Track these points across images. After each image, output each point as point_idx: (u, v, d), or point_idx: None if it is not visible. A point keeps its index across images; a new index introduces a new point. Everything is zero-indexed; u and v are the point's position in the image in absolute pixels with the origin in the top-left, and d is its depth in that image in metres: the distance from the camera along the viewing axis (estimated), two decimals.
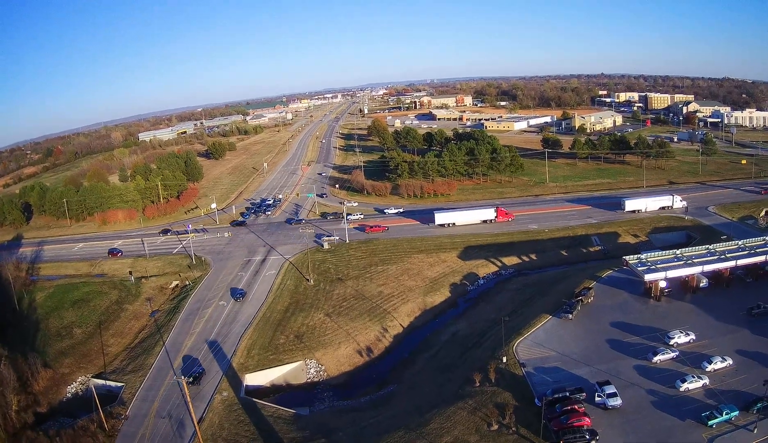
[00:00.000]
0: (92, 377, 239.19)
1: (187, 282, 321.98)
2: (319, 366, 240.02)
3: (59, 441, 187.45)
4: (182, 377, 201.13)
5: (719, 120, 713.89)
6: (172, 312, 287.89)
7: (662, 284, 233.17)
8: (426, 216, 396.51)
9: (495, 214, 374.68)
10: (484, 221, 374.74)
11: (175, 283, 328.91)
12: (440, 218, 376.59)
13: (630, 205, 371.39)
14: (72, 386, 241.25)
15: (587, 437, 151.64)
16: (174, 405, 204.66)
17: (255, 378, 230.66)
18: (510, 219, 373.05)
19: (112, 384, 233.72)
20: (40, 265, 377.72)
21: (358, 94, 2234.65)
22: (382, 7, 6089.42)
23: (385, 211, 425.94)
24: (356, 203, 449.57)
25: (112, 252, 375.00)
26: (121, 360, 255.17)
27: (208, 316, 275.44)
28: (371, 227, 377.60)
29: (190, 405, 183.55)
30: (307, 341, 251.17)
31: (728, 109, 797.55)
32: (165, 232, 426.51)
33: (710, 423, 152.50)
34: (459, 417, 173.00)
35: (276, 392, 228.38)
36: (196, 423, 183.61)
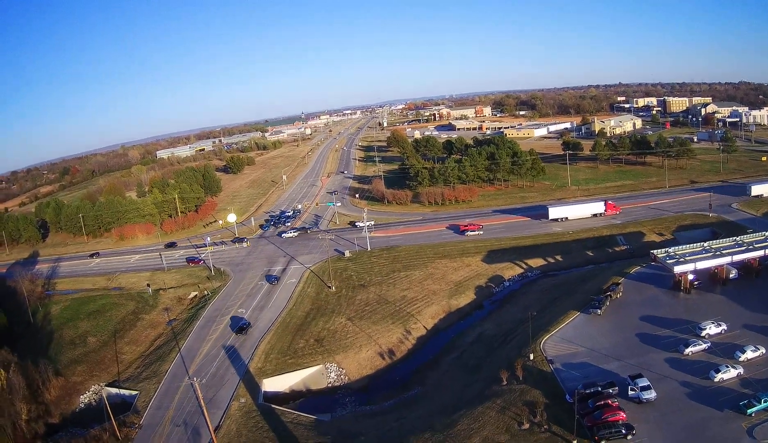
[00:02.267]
0: (106, 385, 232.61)
1: (206, 292, 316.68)
2: (340, 369, 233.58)
3: None
4: (195, 379, 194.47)
5: (738, 120, 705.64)
6: (190, 321, 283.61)
7: (691, 276, 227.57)
8: (534, 213, 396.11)
9: (604, 207, 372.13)
10: (594, 215, 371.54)
11: (193, 294, 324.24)
12: (553, 212, 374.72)
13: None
14: (85, 395, 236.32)
15: (623, 431, 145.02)
16: (189, 412, 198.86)
17: (273, 383, 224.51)
18: (618, 212, 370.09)
19: (126, 392, 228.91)
20: (56, 280, 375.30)
21: (378, 110, 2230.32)
22: (400, 24, 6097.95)
23: (357, 224, 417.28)
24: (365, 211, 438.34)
25: (192, 260, 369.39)
26: (136, 368, 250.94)
27: (226, 323, 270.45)
28: (465, 225, 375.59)
29: (205, 411, 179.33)
30: (328, 345, 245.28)
31: (746, 109, 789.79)
32: (170, 245, 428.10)
33: (749, 411, 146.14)
34: (488, 416, 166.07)
35: (295, 397, 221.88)
36: (212, 430, 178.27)
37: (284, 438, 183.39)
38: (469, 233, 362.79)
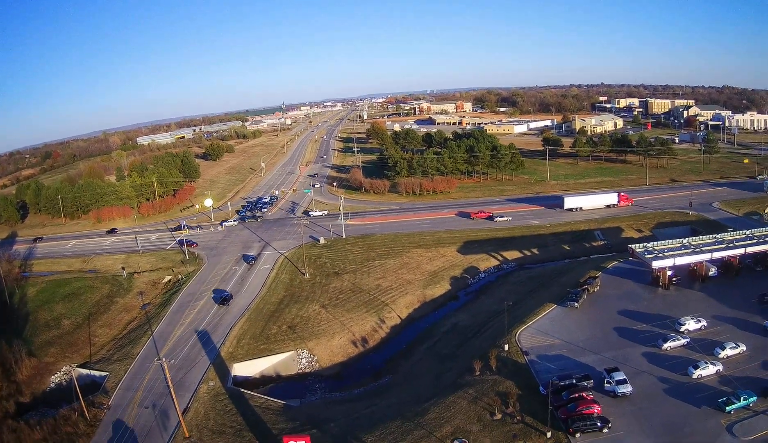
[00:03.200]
0: (77, 366, 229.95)
1: (180, 277, 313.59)
2: (312, 356, 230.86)
3: (40, 431, 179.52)
4: (164, 359, 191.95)
5: (720, 123, 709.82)
6: (164, 305, 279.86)
7: (670, 272, 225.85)
8: (548, 202, 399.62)
9: (617, 199, 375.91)
10: (608, 206, 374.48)
11: (168, 278, 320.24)
12: (569, 202, 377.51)
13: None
14: (56, 375, 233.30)
15: (599, 424, 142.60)
16: (158, 394, 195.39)
17: (243, 368, 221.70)
18: (630, 204, 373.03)
19: (96, 373, 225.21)
20: (33, 261, 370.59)
21: (358, 104, 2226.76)
22: (381, 18, 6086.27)
23: (310, 213, 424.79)
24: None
25: (188, 243, 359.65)
26: (108, 350, 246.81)
27: (200, 307, 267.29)
28: (476, 212, 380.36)
29: (173, 393, 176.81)
30: (300, 331, 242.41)
31: (729, 112, 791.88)
32: (112, 231, 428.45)
33: (728, 408, 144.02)
34: (459, 406, 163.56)
35: (266, 383, 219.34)
36: (179, 412, 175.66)
37: (252, 421, 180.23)
38: (498, 218, 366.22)
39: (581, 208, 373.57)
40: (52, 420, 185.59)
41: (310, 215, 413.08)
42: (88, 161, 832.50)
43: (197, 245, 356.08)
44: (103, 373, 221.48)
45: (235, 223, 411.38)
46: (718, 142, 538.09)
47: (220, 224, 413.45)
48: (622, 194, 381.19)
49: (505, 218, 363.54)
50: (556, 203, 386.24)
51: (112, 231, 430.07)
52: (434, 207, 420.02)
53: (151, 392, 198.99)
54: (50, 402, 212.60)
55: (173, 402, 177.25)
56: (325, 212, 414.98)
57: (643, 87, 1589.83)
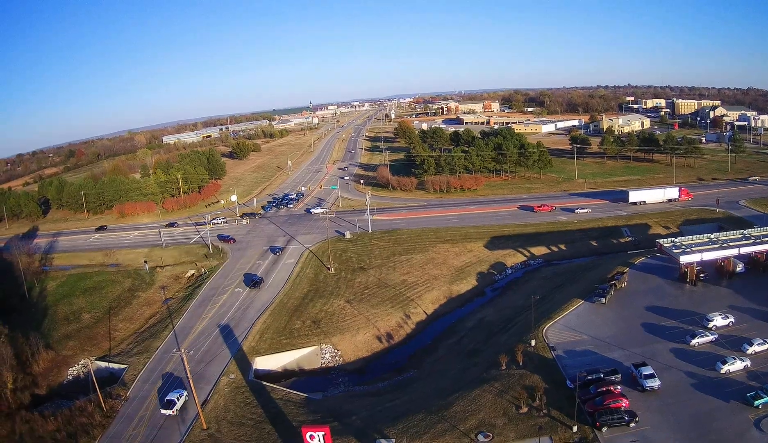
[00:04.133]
0: (96, 359, 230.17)
1: (204, 271, 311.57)
2: (335, 350, 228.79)
3: (54, 421, 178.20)
4: (183, 350, 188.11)
5: (746, 123, 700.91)
6: (186, 299, 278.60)
7: (697, 268, 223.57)
8: (612, 197, 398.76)
9: (678, 193, 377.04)
10: (669, 200, 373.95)
11: (191, 272, 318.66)
12: (633, 196, 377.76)
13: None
14: (73, 368, 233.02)
15: (626, 418, 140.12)
16: (178, 386, 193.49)
17: (265, 362, 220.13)
18: (690, 198, 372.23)
19: (115, 366, 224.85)
20: (54, 255, 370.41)
21: (386, 104, 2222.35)
22: (409, 18, 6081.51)
23: (311, 210, 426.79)
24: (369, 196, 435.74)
25: (224, 239, 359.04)
26: (128, 344, 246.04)
27: (223, 302, 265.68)
28: (539, 206, 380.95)
29: (192, 384, 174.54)
30: (324, 326, 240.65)
31: (755, 113, 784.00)
32: (171, 224, 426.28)
33: (756, 403, 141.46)
34: (484, 399, 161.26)
35: (288, 377, 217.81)
36: (198, 404, 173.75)
37: (272, 414, 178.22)
38: (579, 210, 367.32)
39: (645, 202, 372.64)
40: (68, 411, 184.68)
41: (311, 213, 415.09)
42: (113, 160, 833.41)
43: (234, 240, 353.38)
44: (122, 366, 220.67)
45: (252, 218, 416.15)
46: (744, 142, 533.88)
47: (241, 217, 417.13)
48: (683, 188, 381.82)
49: (586, 210, 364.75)
50: (621, 197, 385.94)
51: (101, 228, 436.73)
52: (460, 203, 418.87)
53: (170, 384, 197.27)
54: (67, 394, 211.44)
55: (192, 393, 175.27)
56: (326, 210, 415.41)
57: (670, 88, 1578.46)
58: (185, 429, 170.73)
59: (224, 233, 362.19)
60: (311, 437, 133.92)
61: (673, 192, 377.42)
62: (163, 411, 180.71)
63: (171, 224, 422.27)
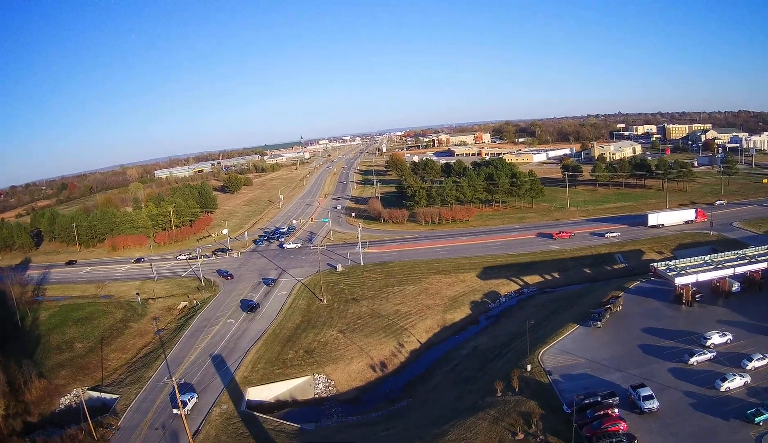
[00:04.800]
0: (88, 389, 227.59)
1: (196, 302, 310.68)
2: (329, 381, 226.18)
3: None
4: (174, 378, 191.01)
5: (738, 145, 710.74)
6: (178, 330, 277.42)
7: (693, 289, 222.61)
8: (630, 221, 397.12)
9: (695, 215, 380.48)
10: (686, 221, 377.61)
11: (183, 304, 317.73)
12: (652, 218, 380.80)
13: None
14: (66, 397, 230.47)
15: (624, 441, 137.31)
16: (169, 416, 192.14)
17: (258, 393, 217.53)
18: (705, 219, 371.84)
19: (107, 396, 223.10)
20: (47, 286, 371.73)
21: (377, 138, 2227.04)
22: (400, 53, 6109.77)
23: (284, 246, 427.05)
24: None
25: (224, 274, 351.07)
26: (120, 374, 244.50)
27: (215, 332, 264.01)
28: (558, 233, 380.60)
29: (183, 412, 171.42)
30: (317, 356, 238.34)
31: (746, 134, 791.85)
32: (138, 260, 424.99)
33: (757, 420, 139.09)
34: (480, 427, 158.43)
35: (281, 408, 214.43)
36: (189, 433, 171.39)
37: None
38: (608, 234, 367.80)
39: (663, 224, 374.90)
40: (58, 439, 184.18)
41: (284, 248, 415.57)
42: (105, 193, 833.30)
43: (233, 277, 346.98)
44: (114, 396, 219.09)
45: (241, 253, 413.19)
46: (737, 163, 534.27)
47: (213, 253, 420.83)
48: (699, 209, 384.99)
49: (615, 234, 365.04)
50: (639, 221, 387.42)
51: (71, 262, 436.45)
52: (452, 235, 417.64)
53: (162, 414, 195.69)
54: (59, 423, 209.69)
55: (183, 424, 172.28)
56: (299, 245, 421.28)
57: (660, 114, 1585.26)
58: None
59: (223, 269, 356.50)
60: None
61: (689, 214, 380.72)
62: (175, 411, 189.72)
63: (138, 260, 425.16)
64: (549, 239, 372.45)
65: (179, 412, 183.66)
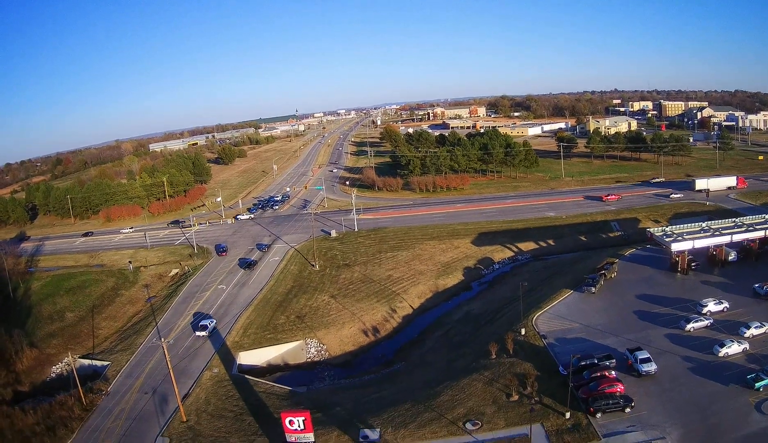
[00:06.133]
0: (79, 357, 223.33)
1: (188, 269, 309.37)
2: (321, 345, 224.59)
3: (34, 415, 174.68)
4: (163, 340, 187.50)
5: (734, 123, 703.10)
6: (169, 297, 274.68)
7: (689, 257, 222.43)
8: (677, 186, 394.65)
9: (736, 181, 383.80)
10: (729, 187, 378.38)
11: (175, 271, 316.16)
12: (700, 184, 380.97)
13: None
14: (57, 366, 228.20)
15: (621, 403, 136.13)
16: (159, 381, 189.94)
17: (249, 357, 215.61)
18: (745, 187, 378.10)
19: (98, 363, 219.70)
20: (40, 258, 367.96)
21: (372, 112, 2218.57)
22: (396, 28, 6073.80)
23: (238, 217, 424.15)
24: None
25: (221, 250, 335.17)
26: (111, 342, 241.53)
27: (206, 298, 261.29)
28: (606, 195, 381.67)
29: (172, 374, 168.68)
30: (309, 321, 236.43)
31: (742, 113, 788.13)
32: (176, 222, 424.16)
33: (757, 385, 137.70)
34: (474, 388, 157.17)
35: (272, 372, 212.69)
36: (178, 397, 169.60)
37: (255, 407, 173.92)
38: (673, 195, 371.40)
39: (709, 189, 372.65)
40: (47, 406, 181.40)
41: (238, 219, 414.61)
42: (100, 167, 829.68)
43: (227, 252, 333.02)
44: (105, 362, 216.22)
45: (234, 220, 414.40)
46: (732, 140, 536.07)
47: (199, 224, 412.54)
48: (740, 177, 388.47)
49: (679, 195, 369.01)
50: (686, 186, 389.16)
51: (88, 234, 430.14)
52: (446, 202, 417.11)
53: (152, 378, 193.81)
54: (50, 391, 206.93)
55: (173, 386, 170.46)
56: (251, 216, 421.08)
57: (657, 92, 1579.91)
58: (165, 421, 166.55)
59: (222, 244, 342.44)
60: (291, 422, 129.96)
61: (732, 180, 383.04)
62: (198, 334, 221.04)
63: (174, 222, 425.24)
64: (598, 201, 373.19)
65: (202, 335, 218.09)
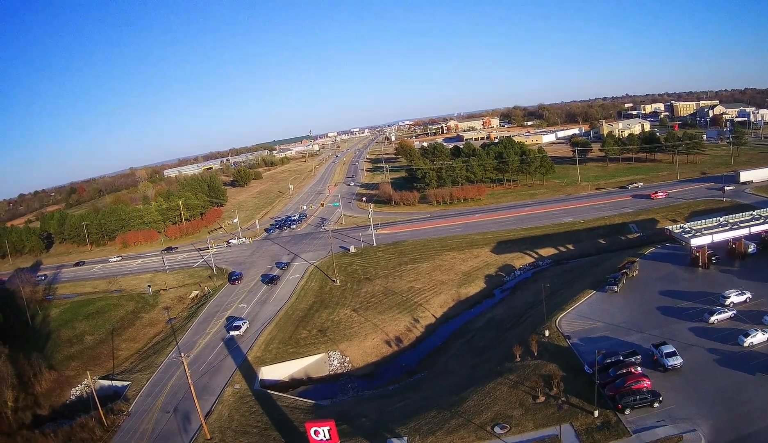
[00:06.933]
0: (99, 378, 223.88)
1: (208, 290, 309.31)
2: (343, 357, 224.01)
3: (54, 439, 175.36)
4: (183, 355, 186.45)
5: (746, 119, 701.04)
6: (190, 318, 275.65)
7: (708, 251, 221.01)
8: (719, 181, 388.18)
9: None
10: None
11: (195, 293, 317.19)
12: (744, 175, 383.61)
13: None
14: (77, 388, 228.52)
15: (649, 398, 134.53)
16: (180, 399, 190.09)
17: (271, 371, 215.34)
18: None
19: (118, 383, 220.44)
20: (57, 285, 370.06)
21: (386, 129, 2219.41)
22: (406, 45, 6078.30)
23: (230, 242, 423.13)
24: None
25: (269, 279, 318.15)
26: (131, 362, 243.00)
27: (227, 317, 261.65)
28: (655, 193, 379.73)
29: (193, 390, 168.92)
30: (331, 334, 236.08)
31: (754, 108, 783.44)
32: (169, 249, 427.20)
33: None
34: (499, 392, 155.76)
35: (295, 386, 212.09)
36: (201, 414, 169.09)
37: (278, 421, 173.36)
38: (727, 187, 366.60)
39: (752, 181, 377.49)
40: (68, 428, 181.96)
41: (230, 244, 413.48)
42: (114, 194, 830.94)
43: (241, 279, 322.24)
44: (125, 383, 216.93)
45: (252, 240, 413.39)
46: (746, 135, 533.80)
47: (227, 243, 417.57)
48: None
49: (732, 187, 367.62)
50: (731, 179, 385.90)
51: (79, 263, 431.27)
52: (464, 213, 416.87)
53: (173, 396, 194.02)
54: (70, 414, 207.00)
55: (195, 404, 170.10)
56: (246, 241, 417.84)
57: (668, 94, 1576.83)
58: (188, 439, 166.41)
59: (237, 272, 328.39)
60: (316, 433, 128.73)
61: None
62: (232, 333, 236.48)
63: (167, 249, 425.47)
64: (647, 199, 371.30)
65: (236, 334, 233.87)
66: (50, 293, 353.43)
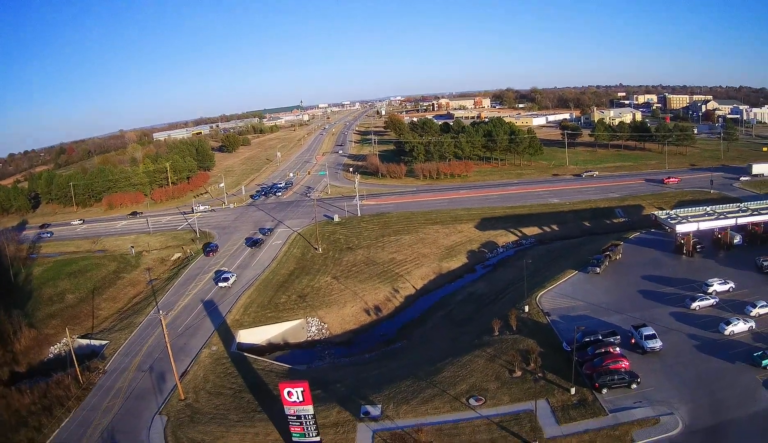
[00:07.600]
0: (77, 337, 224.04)
1: (190, 253, 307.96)
2: (322, 324, 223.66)
3: (30, 395, 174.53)
4: (161, 312, 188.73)
5: (738, 116, 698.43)
6: (171, 279, 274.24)
7: (694, 239, 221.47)
8: (731, 172, 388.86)
9: None
10: None
11: (177, 255, 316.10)
12: (757, 168, 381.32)
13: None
14: (55, 346, 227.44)
15: (627, 379, 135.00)
16: (157, 359, 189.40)
17: (249, 335, 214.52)
18: None
19: (96, 342, 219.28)
20: (42, 244, 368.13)
21: (377, 104, 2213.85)
22: (401, 21, 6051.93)
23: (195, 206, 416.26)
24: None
25: (253, 243, 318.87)
26: (110, 322, 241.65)
27: (207, 280, 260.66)
28: (667, 178, 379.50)
29: (169, 348, 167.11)
30: (311, 300, 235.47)
31: (747, 106, 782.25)
32: (134, 214, 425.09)
33: (764, 363, 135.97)
34: (476, 364, 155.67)
35: (272, 350, 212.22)
36: (176, 375, 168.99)
37: (254, 384, 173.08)
38: (743, 178, 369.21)
39: (763, 174, 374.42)
40: (44, 385, 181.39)
41: (194, 212, 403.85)
42: (103, 156, 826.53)
43: (217, 250, 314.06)
44: (103, 342, 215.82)
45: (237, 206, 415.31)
46: (737, 132, 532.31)
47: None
48: None
49: (747, 178, 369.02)
50: (743, 171, 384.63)
51: (133, 214, 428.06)
52: (450, 188, 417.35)
53: (150, 356, 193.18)
54: (48, 372, 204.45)
55: (171, 364, 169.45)
56: (209, 208, 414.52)
57: (661, 87, 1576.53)
58: (162, 399, 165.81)
59: (212, 243, 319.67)
60: (289, 394, 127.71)
61: None
62: (220, 285, 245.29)
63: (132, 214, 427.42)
64: (659, 184, 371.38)
65: (224, 285, 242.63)
66: (34, 251, 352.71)
